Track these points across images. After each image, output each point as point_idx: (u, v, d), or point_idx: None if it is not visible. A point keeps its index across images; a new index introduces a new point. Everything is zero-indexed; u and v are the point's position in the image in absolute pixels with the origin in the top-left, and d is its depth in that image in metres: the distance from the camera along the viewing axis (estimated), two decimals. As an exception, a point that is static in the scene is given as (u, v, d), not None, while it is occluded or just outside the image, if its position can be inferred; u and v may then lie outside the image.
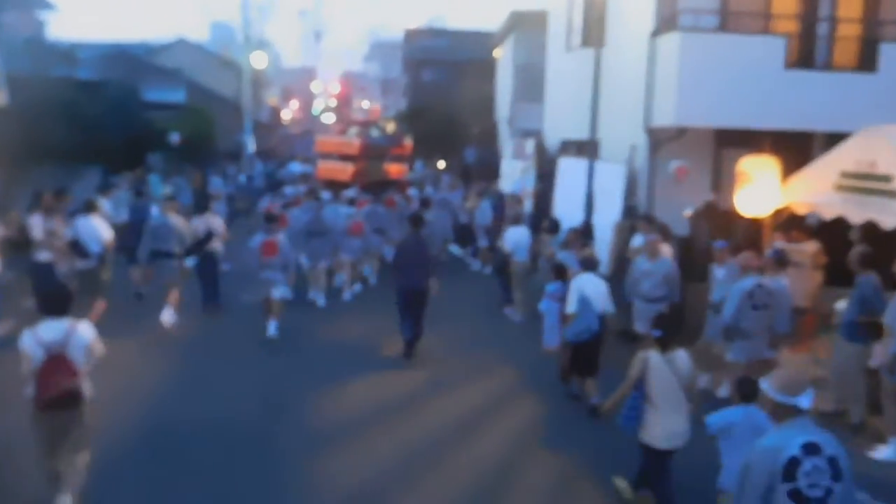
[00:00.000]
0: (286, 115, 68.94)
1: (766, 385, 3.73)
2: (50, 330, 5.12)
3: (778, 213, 9.18)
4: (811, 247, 9.20)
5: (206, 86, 34.96)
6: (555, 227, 11.14)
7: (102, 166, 19.46)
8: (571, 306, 7.58)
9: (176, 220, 10.51)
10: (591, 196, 11.63)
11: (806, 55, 11.12)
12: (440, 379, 8.77)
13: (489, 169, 24.41)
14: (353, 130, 20.47)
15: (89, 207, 10.42)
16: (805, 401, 3.62)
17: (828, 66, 11.14)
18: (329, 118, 71.96)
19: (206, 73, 36.42)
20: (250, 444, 6.80)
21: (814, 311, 8.90)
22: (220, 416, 7.43)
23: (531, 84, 21.31)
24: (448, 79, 39.49)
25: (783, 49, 10.59)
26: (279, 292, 9.85)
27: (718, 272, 8.38)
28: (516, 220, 11.84)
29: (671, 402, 5.36)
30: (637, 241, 9.97)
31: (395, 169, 19.20)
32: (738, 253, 8.02)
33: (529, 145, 16.32)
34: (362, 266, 13.27)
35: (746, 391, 4.97)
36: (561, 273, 8.51)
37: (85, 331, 5.25)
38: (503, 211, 16.36)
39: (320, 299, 12.03)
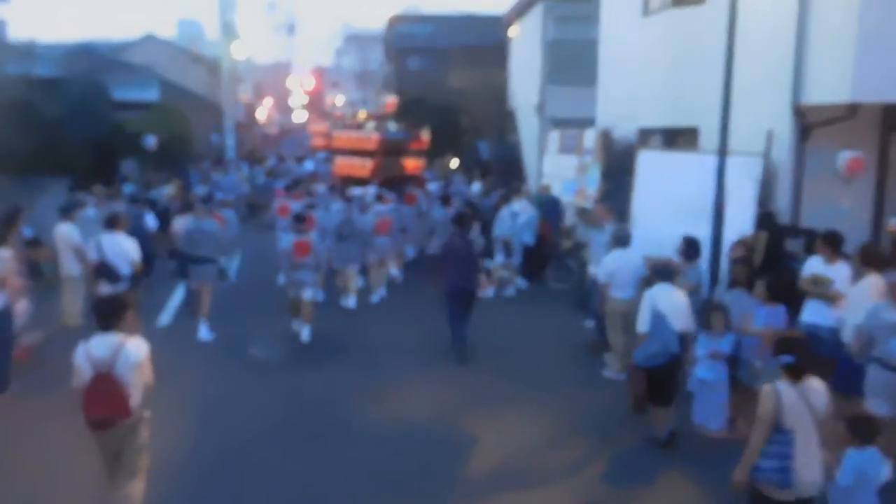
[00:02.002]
0: (261, 113, 65.98)
1: None
2: (100, 345, 4.89)
3: None
4: None
5: (180, 83, 32.10)
6: (693, 250, 8.03)
7: (67, 177, 16.39)
8: (643, 324, 6.74)
9: (210, 223, 10.14)
10: (720, 201, 8.66)
11: None
12: (494, 394, 8.01)
13: (509, 165, 21.67)
14: (370, 125, 19.83)
15: (112, 223, 9.15)
16: None
17: None
18: (301, 115, 69.47)
19: (177, 70, 33.63)
20: (312, 452, 6.62)
21: None
22: (275, 422, 7.22)
23: (565, 64, 18.57)
24: (436, 67, 37.29)
25: None
26: (310, 294, 9.61)
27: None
28: (621, 241, 8.51)
29: (803, 442, 4.43)
30: (811, 267, 7.19)
31: (412, 164, 18.68)
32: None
33: (589, 137, 13.51)
34: (387, 266, 12.73)
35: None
36: (719, 317, 6.74)
37: (136, 348, 4.95)
38: (559, 220, 13.66)
39: (351, 302, 11.53)
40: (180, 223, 10.96)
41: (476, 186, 18.87)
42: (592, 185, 13.16)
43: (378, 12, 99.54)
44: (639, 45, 12.81)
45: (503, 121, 24.05)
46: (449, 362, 8.92)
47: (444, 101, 25.81)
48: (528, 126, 20.94)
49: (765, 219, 9.15)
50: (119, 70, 25.88)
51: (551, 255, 13.37)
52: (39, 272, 10.84)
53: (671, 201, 10.06)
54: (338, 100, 72.47)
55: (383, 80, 53.59)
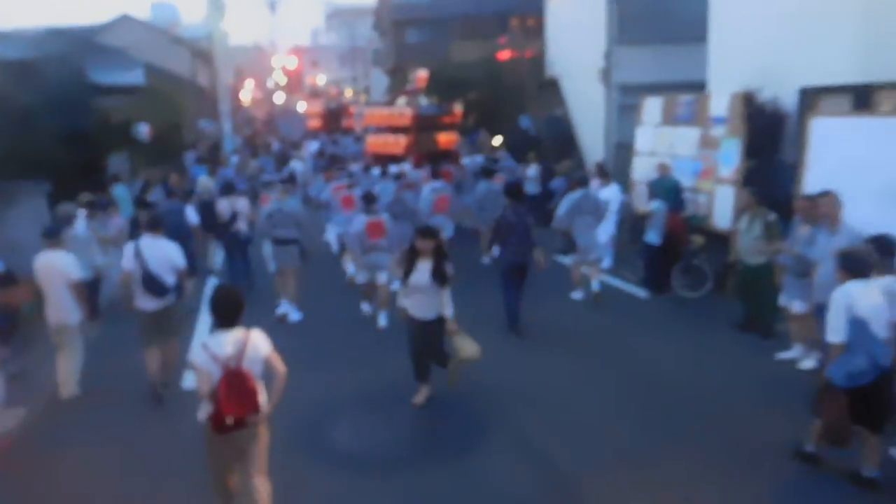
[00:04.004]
0: (245, 95, 62.71)
1: None
2: (222, 343, 4.63)
3: None
4: None
5: (164, 66, 28.91)
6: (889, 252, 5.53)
7: (44, 180, 13.29)
8: (837, 333, 5.13)
9: (292, 204, 10.17)
10: None
11: None
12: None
13: (560, 141, 18.72)
14: (402, 100, 19.39)
15: (154, 224, 7.50)
16: None
17: None
18: (281, 97, 66.80)
19: (158, 53, 30.59)
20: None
21: None
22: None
23: (637, 19, 15.62)
24: (437, 39, 34.83)
25: None
26: (386, 278, 9.41)
27: None
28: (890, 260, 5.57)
29: None
30: None
31: (446, 139, 18.38)
32: None
33: (718, 103, 10.56)
34: None
35: None
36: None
37: (261, 341, 4.72)
38: (681, 208, 10.81)
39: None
40: (222, 204, 10.99)
41: (532, 170, 15.96)
42: (728, 163, 10.28)
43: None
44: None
45: (540, 93, 21.07)
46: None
47: (452, 74, 22.88)
48: (583, 96, 17.95)
49: None
50: (97, 53, 22.63)
51: (678, 255, 10.51)
52: (15, 322, 7.88)
53: (868, 182, 7.32)
54: (318, 79, 70.19)
55: (373, 56, 50.50)
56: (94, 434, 6.61)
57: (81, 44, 22.72)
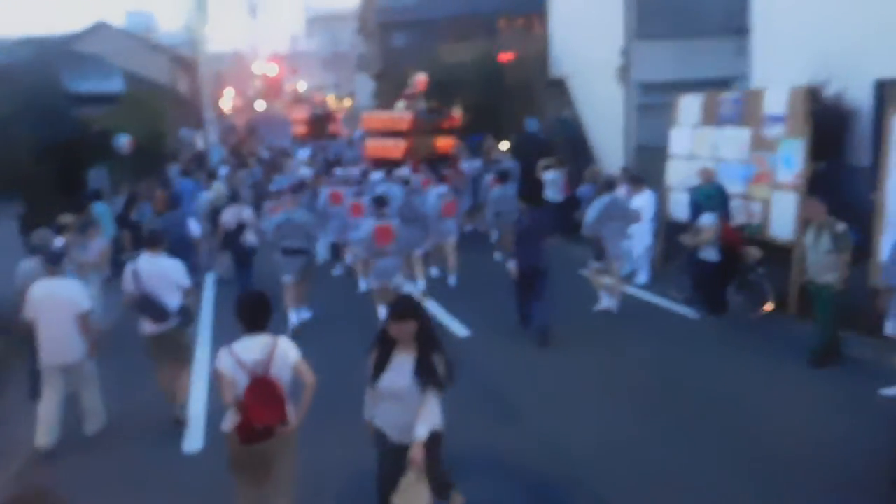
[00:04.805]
0: (225, 103, 61.34)
1: None
2: (249, 348, 4.41)
3: None
4: None
5: (143, 74, 27.69)
6: None
7: (16, 198, 12.00)
8: None
9: (300, 215, 10.08)
10: None
11: None
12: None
13: (573, 145, 17.64)
14: (400, 104, 18.82)
15: (154, 241, 6.93)
16: None
17: None
18: (261, 105, 65.76)
19: (137, 61, 29.49)
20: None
21: None
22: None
23: (658, 12, 14.59)
24: (425, 41, 33.83)
25: None
26: (398, 281, 9.25)
27: None
28: None
29: None
30: None
31: (444, 143, 18.04)
32: None
33: (774, 99, 9.47)
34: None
35: None
36: None
37: (290, 347, 4.52)
38: (728, 212, 9.75)
39: (420, 286, 11.03)
40: (227, 215, 10.93)
41: (552, 175, 14.87)
42: (789, 167, 9.20)
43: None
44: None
45: (544, 93, 19.97)
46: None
47: (443, 77, 21.81)
48: (596, 96, 16.87)
49: None
50: (73, 60, 21.35)
51: (733, 271, 9.42)
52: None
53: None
54: (299, 86, 69.16)
55: (358, 61, 49.38)
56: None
57: (57, 51, 21.44)
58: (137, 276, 6.64)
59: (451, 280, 11.78)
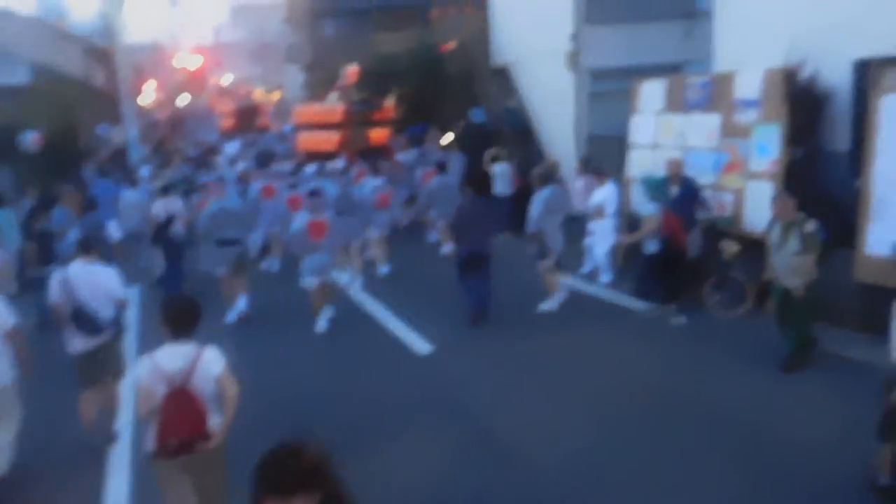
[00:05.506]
0: (144, 98, 58.61)
1: None
2: (172, 357, 4.14)
3: None
4: None
5: (53, 65, 25.71)
6: None
7: None
8: None
9: (234, 204, 10.09)
10: None
11: None
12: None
13: (522, 136, 16.93)
14: (333, 96, 18.99)
15: (87, 247, 6.39)
16: None
17: None
18: (184, 99, 63.28)
19: (47, 51, 27.36)
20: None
21: None
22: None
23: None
24: (357, 30, 32.95)
25: None
26: (332, 276, 9.43)
27: None
28: None
29: None
30: None
31: (378, 135, 18.24)
32: None
33: (747, 83, 8.83)
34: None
35: None
36: None
37: (215, 358, 4.21)
38: (692, 213, 9.10)
39: (358, 281, 11.05)
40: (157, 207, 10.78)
41: (500, 167, 14.14)
42: (764, 154, 8.62)
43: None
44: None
45: (488, 82, 19.19)
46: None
47: (407, 65, 20.91)
48: (543, 84, 16.16)
49: None
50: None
51: (702, 268, 8.83)
52: None
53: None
54: (225, 79, 67.05)
55: (287, 52, 47.85)
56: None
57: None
58: (68, 284, 6.03)
59: (383, 270, 11.81)
